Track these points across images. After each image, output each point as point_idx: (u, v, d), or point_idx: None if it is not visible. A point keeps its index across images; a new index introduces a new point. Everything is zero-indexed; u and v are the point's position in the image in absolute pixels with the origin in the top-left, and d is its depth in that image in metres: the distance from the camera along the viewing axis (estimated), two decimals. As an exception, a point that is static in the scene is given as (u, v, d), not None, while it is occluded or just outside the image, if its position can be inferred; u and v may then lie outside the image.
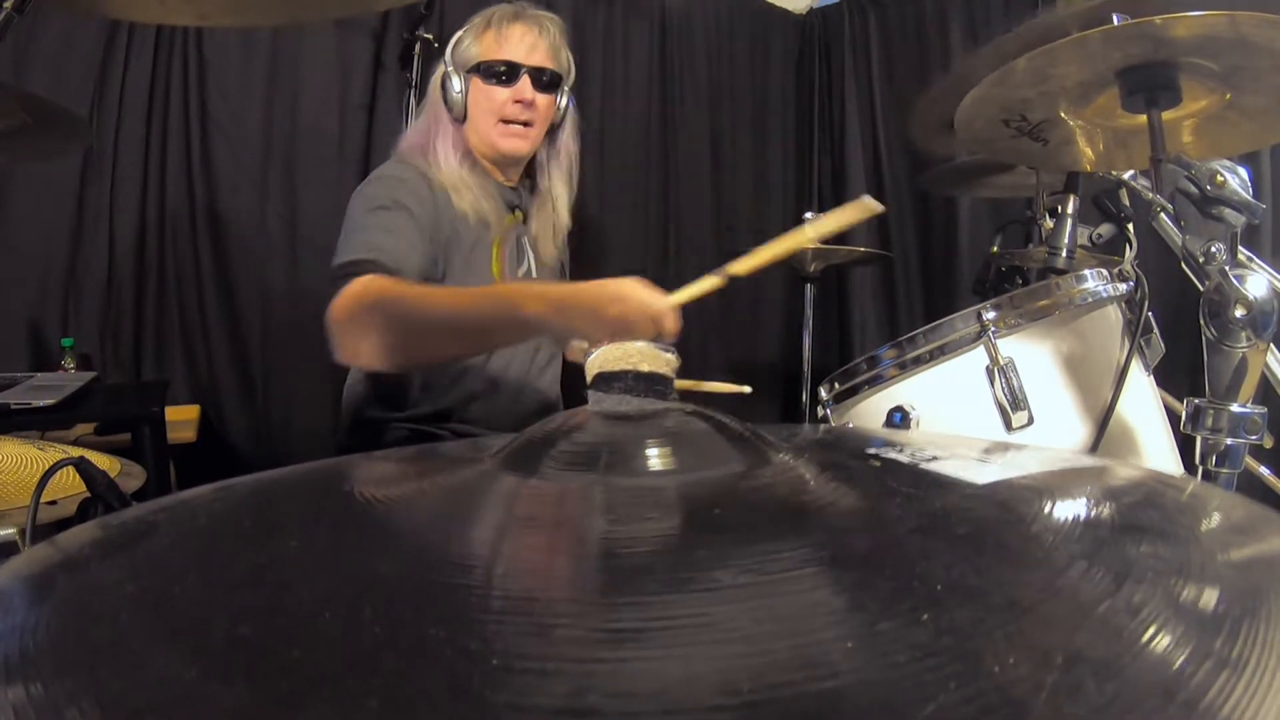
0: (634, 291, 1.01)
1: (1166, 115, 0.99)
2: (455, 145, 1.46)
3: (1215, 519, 0.46)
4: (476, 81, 1.44)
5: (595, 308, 1.03)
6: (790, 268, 2.51)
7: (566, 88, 1.52)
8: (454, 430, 1.48)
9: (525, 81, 1.44)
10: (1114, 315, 1.25)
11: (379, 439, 1.48)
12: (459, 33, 1.48)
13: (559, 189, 1.59)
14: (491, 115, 1.44)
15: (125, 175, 2.12)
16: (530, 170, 1.60)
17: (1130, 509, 0.47)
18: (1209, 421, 0.90)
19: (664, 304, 1.01)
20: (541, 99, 1.46)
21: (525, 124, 1.46)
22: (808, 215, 2.36)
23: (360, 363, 1.22)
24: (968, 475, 0.49)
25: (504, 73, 1.43)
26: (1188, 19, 0.86)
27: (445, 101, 1.46)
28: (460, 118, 1.46)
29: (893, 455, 0.55)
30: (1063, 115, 1.10)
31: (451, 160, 1.45)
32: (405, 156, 1.49)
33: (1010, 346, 1.16)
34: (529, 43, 1.44)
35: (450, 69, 1.45)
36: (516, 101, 1.43)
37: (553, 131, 1.55)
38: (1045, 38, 0.95)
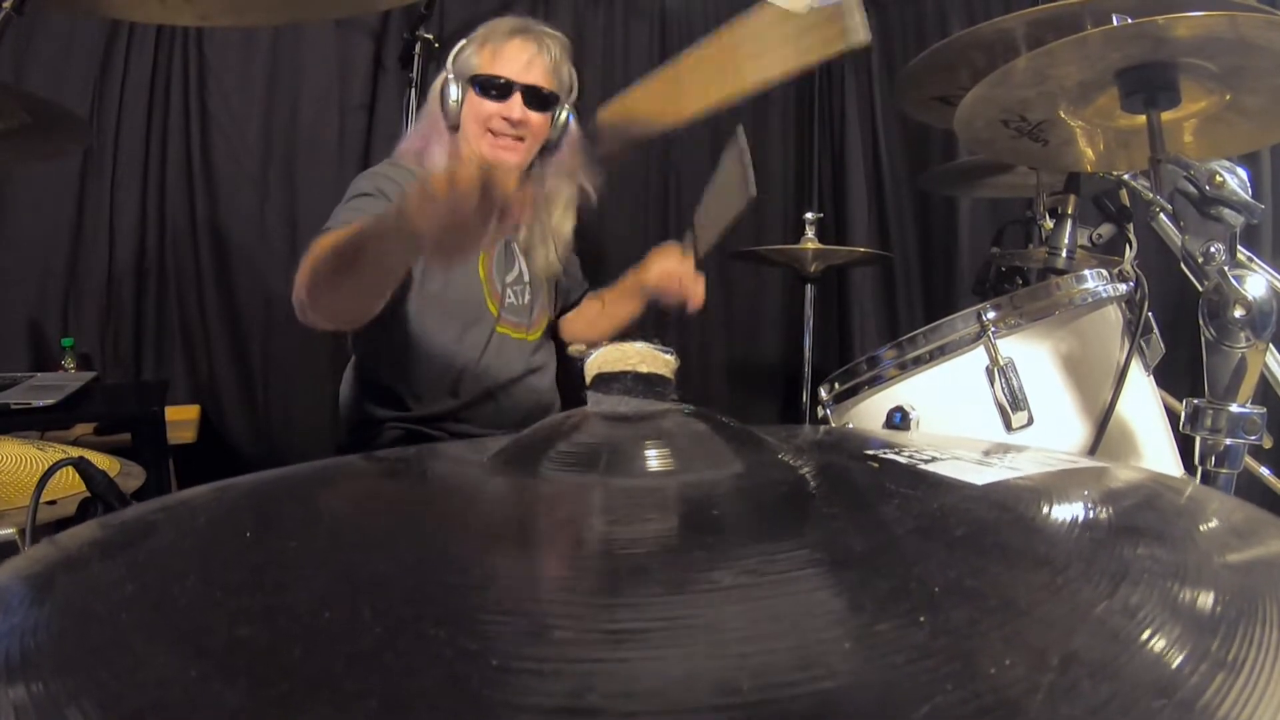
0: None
1: (1166, 116, 0.99)
2: (449, 153, 1.47)
3: (1213, 522, 0.46)
4: (471, 94, 1.45)
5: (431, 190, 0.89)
6: (790, 268, 2.51)
7: (567, 104, 1.52)
8: (450, 430, 1.48)
9: (517, 99, 1.44)
10: (1114, 315, 1.25)
11: (376, 439, 1.49)
12: (462, 41, 1.49)
13: (556, 203, 1.59)
14: (481, 127, 1.45)
15: (125, 175, 2.12)
16: (527, 177, 1.60)
17: (1128, 511, 0.47)
18: (1208, 422, 0.90)
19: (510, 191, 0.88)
20: (534, 116, 1.46)
21: (516, 139, 1.46)
22: (807, 215, 2.37)
23: (311, 319, 1.23)
24: (966, 476, 0.49)
25: (497, 88, 1.44)
26: (1188, 19, 0.86)
27: (442, 109, 1.47)
28: (454, 126, 1.47)
29: (891, 456, 0.55)
30: (1062, 115, 1.10)
31: (440, 166, 1.46)
32: (399, 160, 1.51)
33: (1010, 347, 1.16)
34: (526, 59, 1.44)
35: (450, 77, 1.47)
36: (505, 118, 1.44)
37: (551, 147, 1.55)
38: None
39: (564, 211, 1.60)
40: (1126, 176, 1.37)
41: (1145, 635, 0.30)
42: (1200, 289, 0.91)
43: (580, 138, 1.55)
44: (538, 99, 1.46)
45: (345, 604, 0.35)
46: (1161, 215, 0.97)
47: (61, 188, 2.04)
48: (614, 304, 1.73)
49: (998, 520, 0.44)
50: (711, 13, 3.16)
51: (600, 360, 0.57)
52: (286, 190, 2.31)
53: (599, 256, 2.76)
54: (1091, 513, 0.45)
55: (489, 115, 1.44)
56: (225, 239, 2.25)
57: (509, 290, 1.56)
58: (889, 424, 1.17)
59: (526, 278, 1.60)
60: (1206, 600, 0.33)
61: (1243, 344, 0.88)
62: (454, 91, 1.46)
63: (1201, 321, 0.90)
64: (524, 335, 1.58)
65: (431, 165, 1.46)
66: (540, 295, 1.63)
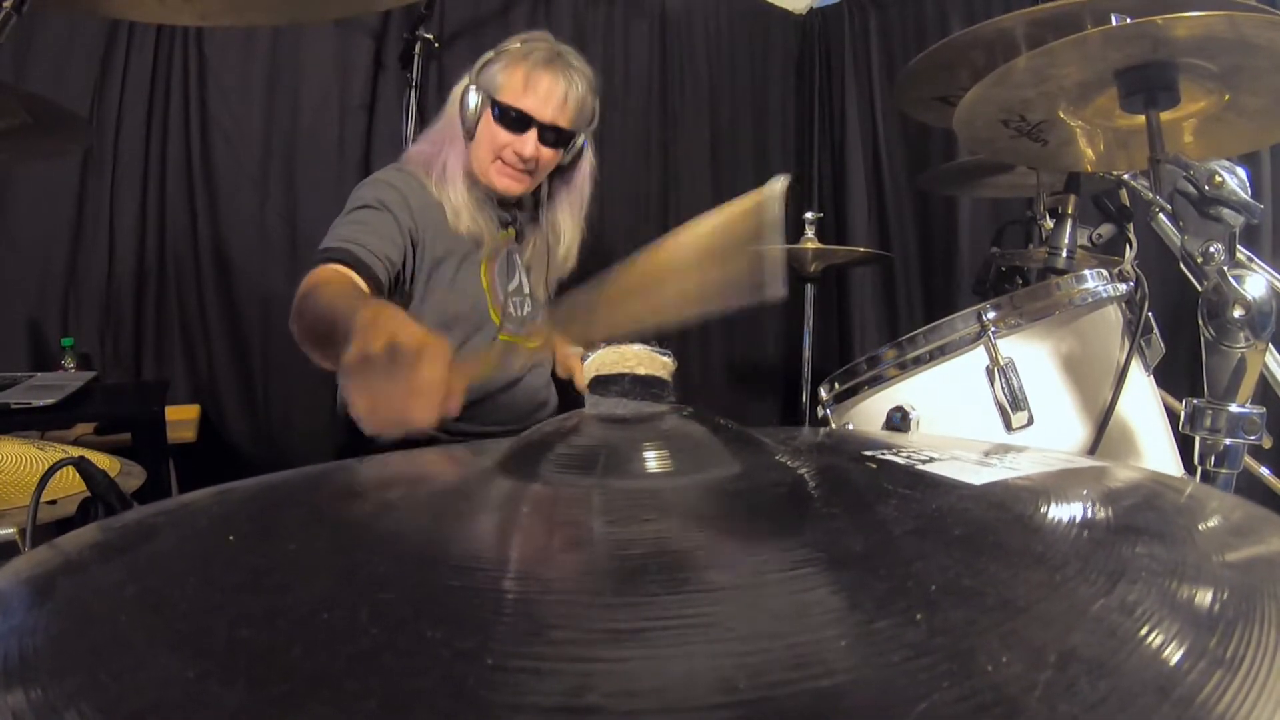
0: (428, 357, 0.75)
1: (1166, 116, 0.99)
2: (461, 161, 1.47)
3: (1212, 520, 0.46)
4: (489, 114, 1.44)
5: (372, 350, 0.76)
6: (790, 268, 2.51)
7: (585, 132, 1.51)
8: (449, 431, 1.48)
9: (533, 135, 1.43)
10: (1114, 315, 1.25)
11: (375, 440, 1.48)
12: (492, 52, 1.47)
13: (565, 226, 1.59)
14: (492, 153, 1.45)
15: (125, 175, 2.12)
16: (535, 195, 1.60)
17: (1127, 510, 0.47)
18: (1207, 422, 0.90)
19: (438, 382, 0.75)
20: (547, 153, 1.46)
21: (524, 171, 1.46)
22: (807, 215, 2.37)
23: (301, 345, 1.22)
24: (964, 476, 0.49)
25: (516, 121, 1.42)
26: (1187, 19, 0.86)
27: (461, 117, 1.45)
28: (471, 134, 1.46)
29: (889, 457, 0.55)
30: (1062, 116, 1.10)
31: (454, 175, 1.46)
32: (408, 165, 1.50)
33: (1010, 346, 1.16)
34: (551, 97, 1.43)
35: (473, 86, 1.45)
36: (518, 152, 1.43)
37: (565, 169, 1.55)
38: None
39: (569, 237, 1.60)
40: (1126, 176, 1.37)
41: (1143, 632, 0.30)
42: (1200, 289, 0.91)
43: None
44: (554, 136, 1.45)
45: (344, 605, 0.35)
46: (1161, 215, 0.97)
47: (61, 188, 2.04)
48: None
49: (995, 520, 0.44)
50: (711, 13, 3.17)
51: (598, 362, 0.57)
52: (286, 190, 2.31)
53: (599, 256, 2.76)
54: (1090, 512, 0.45)
55: (502, 145, 1.43)
56: (225, 239, 2.25)
57: (510, 301, 1.57)
58: (889, 424, 1.17)
59: (527, 289, 1.61)
60: (1205, 598, 0.33)
61: (1242, 344, 0.88)
62: (473, 101, 1.44)
63: (1201, 321, 0.90)
64: (523, 341, 1.59)
65: (442, 173, 1.45)
66: (541, 308, 1.64)
